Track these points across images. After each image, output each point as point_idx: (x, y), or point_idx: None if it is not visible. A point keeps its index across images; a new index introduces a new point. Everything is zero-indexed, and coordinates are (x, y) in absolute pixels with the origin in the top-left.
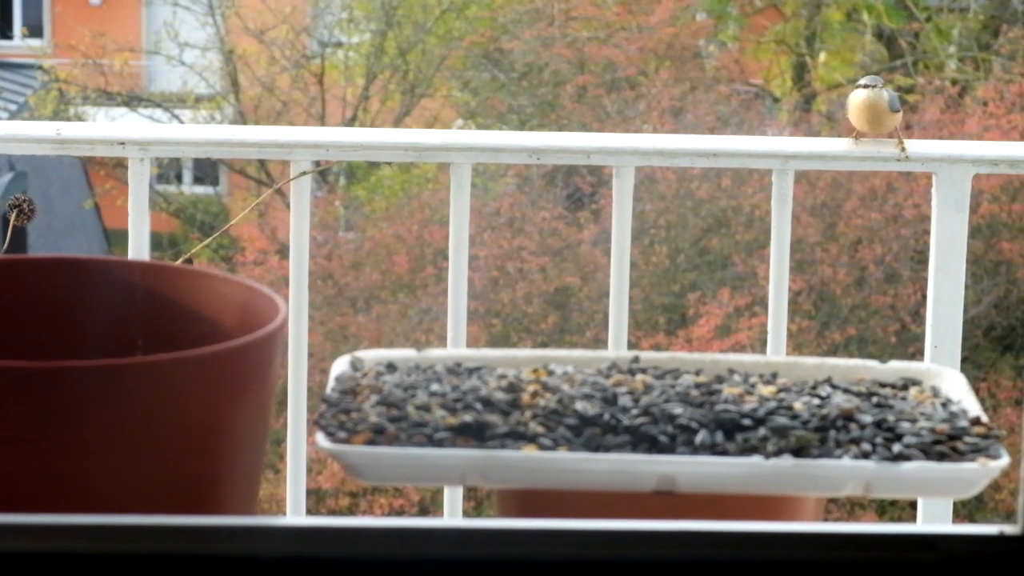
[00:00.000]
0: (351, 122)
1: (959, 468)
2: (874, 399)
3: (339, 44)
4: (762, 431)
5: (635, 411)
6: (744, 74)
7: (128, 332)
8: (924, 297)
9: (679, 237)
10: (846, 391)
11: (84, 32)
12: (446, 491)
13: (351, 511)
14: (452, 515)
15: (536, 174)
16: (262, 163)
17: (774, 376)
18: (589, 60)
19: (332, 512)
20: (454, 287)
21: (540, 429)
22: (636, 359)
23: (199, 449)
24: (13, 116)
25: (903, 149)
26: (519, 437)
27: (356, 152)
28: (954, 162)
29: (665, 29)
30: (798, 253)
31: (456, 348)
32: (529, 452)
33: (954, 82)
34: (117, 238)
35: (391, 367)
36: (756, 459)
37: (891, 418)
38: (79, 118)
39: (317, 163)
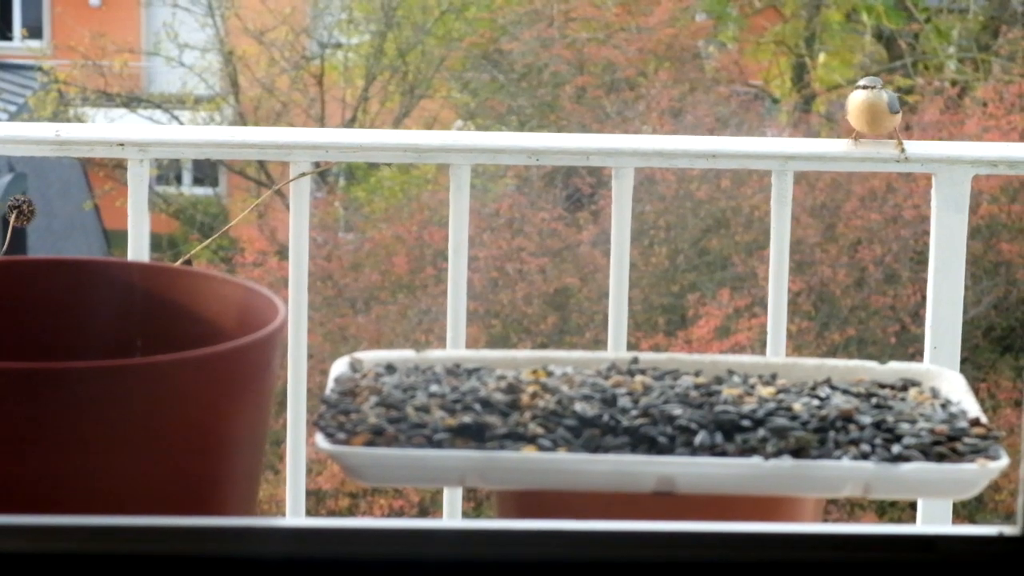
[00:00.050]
0: (350, 123)
1: (958, 469)
2: (873, 400)
3: (338, 45)
4: (761, 432)
5: (634, 412)
6: (743, 75)
7: (128, 333)
8: (924, 298)
9: (678, 238)
10: (845, 392)
11: (84, 33)
12: (446, 492)
13: (351, 512)
14: (452, 516)
15: (535, 175)
16: (262, 164)
17: (773, 377)
18: (588, 61)
19: (332, 513)
20: (453, 288)
21: (539, 430)
22: (635, 360)
23: (199, 450)
24: (12, 117)
25: (902, 150)
26: (518, 438)
27: (355, 153)
28: (953, 163)
29: (664, 30)
30: (798, 254)
31: (455, 349)
32: (528, 453)
33: (953, 83)
34: (117, 239)
35: (390, 368)
36: (755, 460)
37: (890, 419)
38: (78, 119)
39: (317, 164)
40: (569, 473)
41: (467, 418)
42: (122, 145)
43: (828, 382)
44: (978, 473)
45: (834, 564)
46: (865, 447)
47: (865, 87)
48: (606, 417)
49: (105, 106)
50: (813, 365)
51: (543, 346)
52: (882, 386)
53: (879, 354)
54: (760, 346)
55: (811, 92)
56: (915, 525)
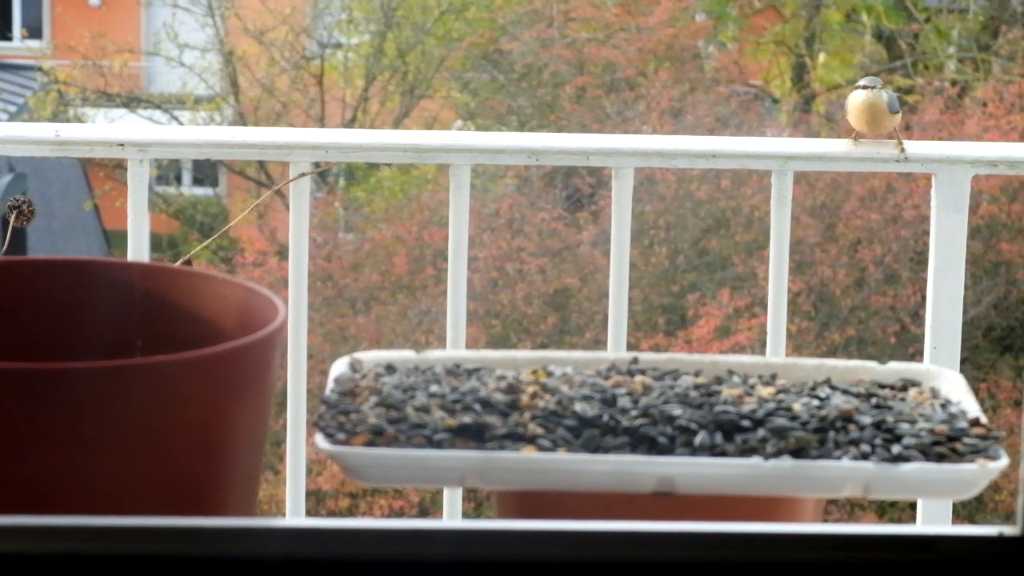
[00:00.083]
0: (350, 123)
1: (958, 469)
2: (873, 400)
3: (338, 45)
4: (761, 432)
5: (634, 412)
6: (743, 75)
7: (127, 333)
8: (923, 298)
9: (678, 238)
10: (845, 392)
11: (83, 33)
12: (446, 492)
13: (351, 512)
14: (452, 516)
15: (535, 175)
16: (262, 164)
17: (773, 377)
18: (588, 61)
19: (332, 513)
20: (453, 288)
21: (539, 430)
22: (635, 360)
23: (198, 450)
24: (12, 118)
25: (902, 150)
26: (518, 438)
27: (355, 153)
28: (953, 163)
29: (664, 30)
30: (797, 254)
31: (455, 349)
32: (528, 453)
33: (953, 83)
34: (116, 239)
35: (390, 368)
36: (755, 460)
37: (890, 419)
38: (78, 119)
39: (316, 164)
40: (569, 473)
41: (467, 418)
42: (122, 145)
43: (828, 382)
44: (978, 473)
45: (834, 564)
46: (865, 447)
47: (865, 87)
48: (606, 417)
49: (105, 106)
50: (813, 365)
51: (543, 346)
52: (882, 386)
53: (879, 354)
54: (760, 346)
55: (811, 92)
56: (915, 525)
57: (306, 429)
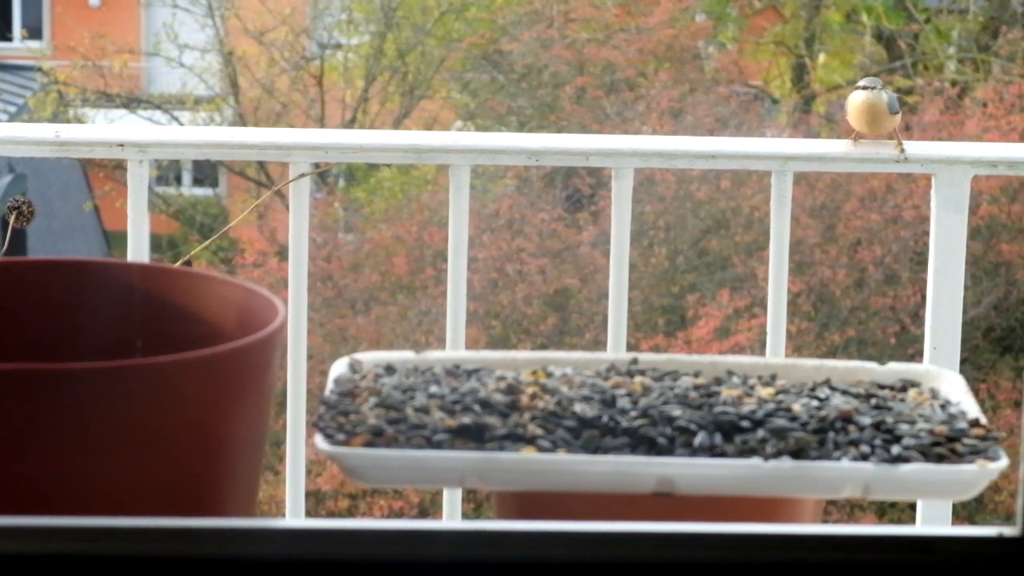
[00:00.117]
0: (350, 124)
1: (958, 470)
2: (873, 401)
3: (338, 46)
4: (761, 433)
5: (634, 413)
6: (743, 75)
7: (127, 334)
8: (923, 298)
9: (678, 239)
10: (845, 393)
11: (83, 34)
12: (445, 493)
13: (350, 513)
14: (451, 517)
15: (535, 176)
16: (261, 165)
17: (773, 378)
18: (588, 62)
19: (331, 514)
20: (453, 289)
21: (539, 431)
22: (635, 361)
23: (198, 450)
24: (12, 118)
25: (902, 151)
26: (518, 439)
27: (355, 154)
28: (953, 163)
29: (664, 30)
30: (797, 254)
31: (455, 350)
32: (528, 454)
33: (953, 83)
34: (116, 240)
35: (390, 369)
36: (755, 461)
37: (890, 420)
38: (78, 120)
39: (316, 165)
40: (568, 474)
41: (467, 419)
42: (122, 146)
43: (827, 383)
44: (977, 474)
45: (834, 565)
46: (864, 448)
47: (865, 87)
48: (605, 418)
49: (105, 107)
50: (813, 366)
51: (543, 347)
52: (881, 387)
53: (879, 355)
54: (760, 347)
55: (811, 92)
56: (915, 526)
57: (306, 430)
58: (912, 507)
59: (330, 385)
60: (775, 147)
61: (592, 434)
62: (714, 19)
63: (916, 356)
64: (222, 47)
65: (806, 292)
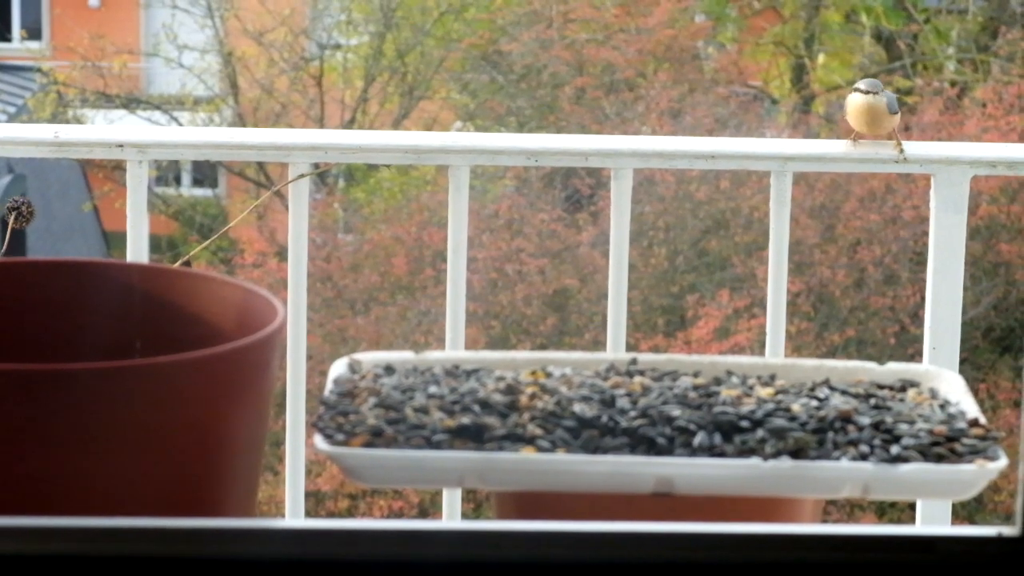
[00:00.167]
0: (350, 124)
1: (957, 470)
2: (872, 401)
3: (338, 46)
4: (760, 433)
5: (633, 413)
6: (743, 76)
7: (127, 334)
8: (923, 299)
9: (678, 239)
10: (844, 393)
11: (83, 34)
12: (445, 493)
13: (350, 513)
14: (451, 517)
15: (535, 176)
16: (261, 165)
17: (772, 378)
18: (587, 62)
19: (331, 514)
20: (453, 289)
21: (538, 431)
22: (634, 361)
23: (198, 451)
24: (12, 118)
25: (901, 151)
26: (517, 439)
27: (355, 154)
28: (952, 164)
29: (664, 31)
30: (797, 255)
31: (454, 350)
32: (527, 454)
33: (953, 84)
34: (116, 241)
35: (389, 369)
36: (754, 461)
37: (889, 420)
38: (78, 120)
39: (316, 165)
40: (568, 474)
41: (466, 419)
42: (121, 146)
43: (827, 383)
44: (977, 474)
45: (833, 565)
46: (864, 448)
47: (867, 92)
48: (605, 418)
49: (104, 107)
50: (812, 366)
51: (542, 347)
52: (881, 387)
53: (878, 355)
54: (759, 347)
55: (810, 93)
56: (914, 526)
57: (305, 430)
58: (912, 507)
59: (329, 385)
60: (774, 147)
61: (591, 434)
62: (713, 19)
63: (915, 356)
64: (221, 48)
65: (806, 292)
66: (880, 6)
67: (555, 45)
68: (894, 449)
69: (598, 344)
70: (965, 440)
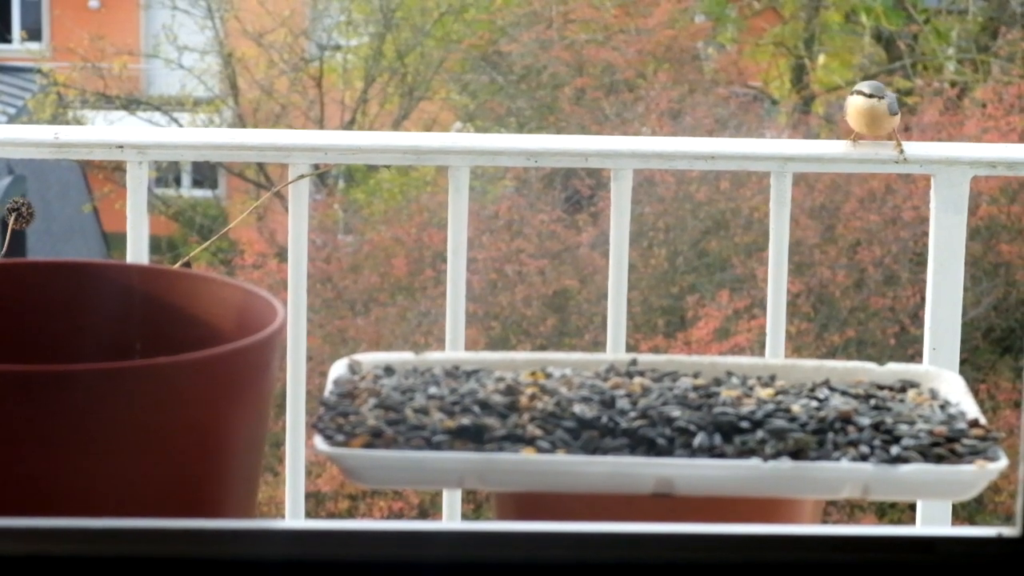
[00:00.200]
0: (349, 125)
1: (957, 470)
2: (872, 401)
3: (337, 47)
4: (760, 433)
5: (633, 414)
6: (743, 76)
7: (127, 335)
8: (923, 299)
9: (678, 239)
10: (844, 393)
11: (83, 35)
12: (445, 494)
13: (350, 514)
14: (451, 518)
15: (534, 177)
16: (261, 166)
17: (772, 378)
18: (587, 63)
19: (331, 515)
20: (452, 290)
21: (538, 432)
22: (634, 362)
23: (198, 451)
24: (12, 120)
25: (901, 151)
26: (517, 440)
27: (355, 155)
28: (952, 164)
29: (663, 31)
30: (797, 255)
31: (454, 351)
32: (527, 455)
33: (953, 84)
34: (116, 242)
35: (389, 370)
36: (754, 461)
37: (889, 420)
38: (78, 122)
39: (316, 166)
40: (568, 475)
41: (466, 420)
42: (121, 147)
43: (827, 383)
44: (977, 474)
45: (833, 565)
46: (864, 448)
47: (870, 95)
48: (605, 419)
49: (104, 108)
50: (812, 366)
51: (542, 348)
52: (881, 387)
53: (878, 355)
54: (759, 347)
55: (810, 93)
56: (914, 526)
57: (305, 431)
58: (912, 507)
59: (329, 386)
60: (774, 148)
61: (591, 435)
62: (713, 20)
63: (916, 357)
64: (221, 49)
65: (805, 293)
66: (880, 6)
67: (555, 46)
68: (894, 450)
69: (598, 345)
70: (965, 441)
